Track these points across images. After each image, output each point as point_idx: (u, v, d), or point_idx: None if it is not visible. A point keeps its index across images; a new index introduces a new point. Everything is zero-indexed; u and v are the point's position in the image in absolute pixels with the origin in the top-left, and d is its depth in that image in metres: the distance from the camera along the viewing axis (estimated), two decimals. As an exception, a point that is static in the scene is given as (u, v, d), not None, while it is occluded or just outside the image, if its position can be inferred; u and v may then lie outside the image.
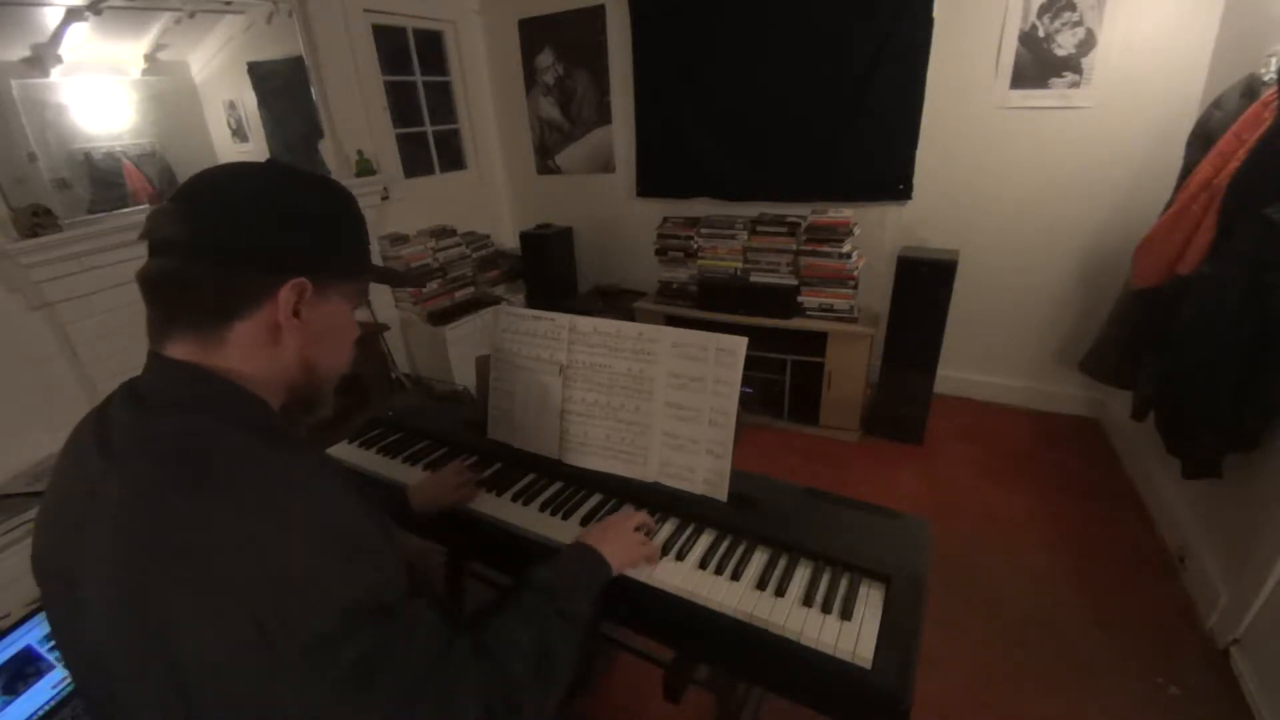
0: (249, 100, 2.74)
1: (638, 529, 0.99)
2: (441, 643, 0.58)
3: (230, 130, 2.73)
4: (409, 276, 3.09)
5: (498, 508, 1.13)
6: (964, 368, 3.06)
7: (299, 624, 0.48)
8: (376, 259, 3.13)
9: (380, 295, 3.16)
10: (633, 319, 2.85)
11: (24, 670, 1.12)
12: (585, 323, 1.17)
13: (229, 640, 0.47)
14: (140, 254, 0.60)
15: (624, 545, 0.94)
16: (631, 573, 0.96)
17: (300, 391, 0.66)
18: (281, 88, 2.82)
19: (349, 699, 0.49)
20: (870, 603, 0.89)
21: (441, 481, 1.15)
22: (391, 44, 3.27)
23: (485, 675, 0.61)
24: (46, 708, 1.12)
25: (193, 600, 0.48)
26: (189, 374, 0.58)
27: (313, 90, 2.87)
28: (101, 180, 2.27)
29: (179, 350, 0.59)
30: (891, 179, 2.85)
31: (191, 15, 2.41)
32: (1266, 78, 1.62)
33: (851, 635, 0.84)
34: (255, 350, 0.60)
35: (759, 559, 0.99)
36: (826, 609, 0.88)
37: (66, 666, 0.64)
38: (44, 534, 0.61)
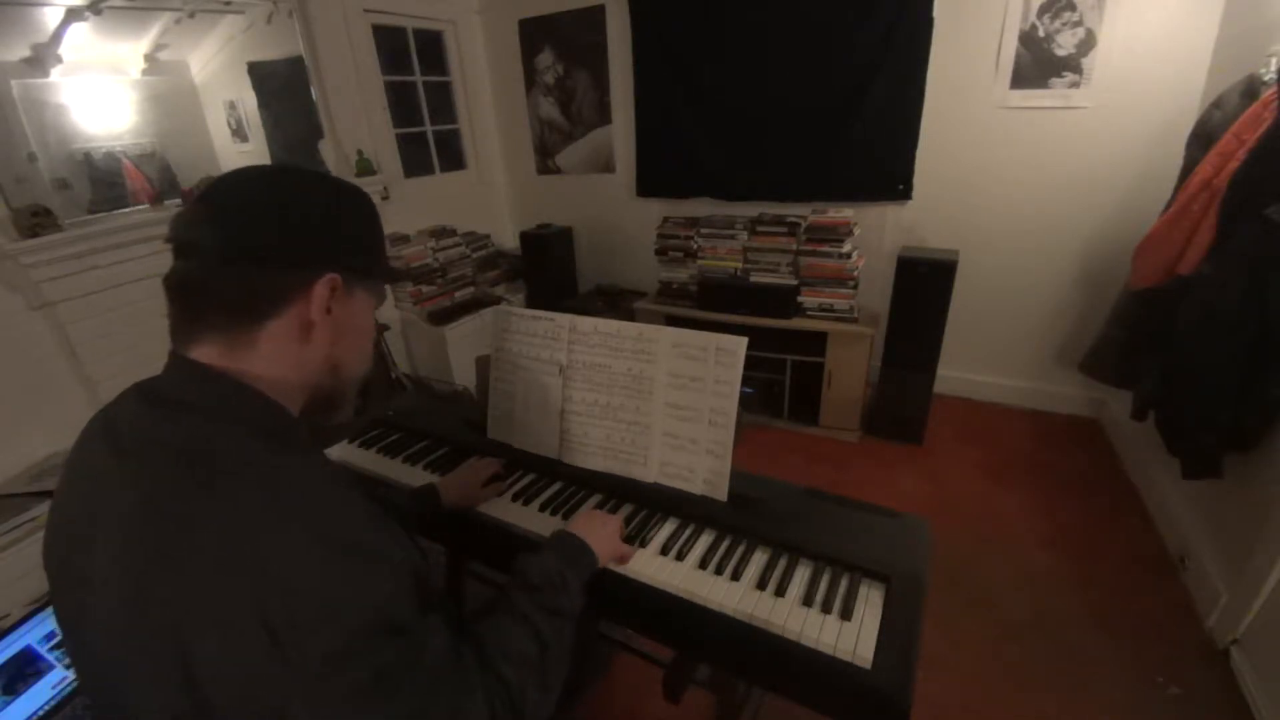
0: (249, 100, 2.74)
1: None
2: (452, 656, 0.59)
3: (230, 130, 2.73)
4: (411, 274, 3.16)
5: (497, 508, 1.13)
6: (964, 368, 3.06)
7: (312, 633, 0.48)
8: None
9: (380, 295, 3.16)
10: (633, 319, 2.86)
11: (24, 670, 1.12)
12: (585, 323, 1.17)
13: (243, 648, 0.47)
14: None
15: (608, 534, 0.95)
16: (631, 572, 0.96)
17: (324, 393, 0.67)
18: (281, 88, 2.82)
19: (365, 712, 0.49)
20: (870, 603, 0.89)
21: (471, 483, 1.14)
22: (391, 44, 3.27)
23: (489, 685, 0.62)
24: (46, 708, 1.12)
25: (203, 607, 0.48)
26: (207, 376, 0.58)
27: (313, 90, 2.87)
28: (101, 180, 2.27)
29: (203, 353, 0.59)
30: (891, 179, 2.84)
31: (191, 15, 2.41)
32: (1266, 78, 1.62)
33: (851, 635, 0.84)
34: (284, 351, 0.61)
35: (759, 559, 0.99)
36: (826, 609, 0.88)
37: (72, 663, 0.63)
38: (55, 530, 0.61)
